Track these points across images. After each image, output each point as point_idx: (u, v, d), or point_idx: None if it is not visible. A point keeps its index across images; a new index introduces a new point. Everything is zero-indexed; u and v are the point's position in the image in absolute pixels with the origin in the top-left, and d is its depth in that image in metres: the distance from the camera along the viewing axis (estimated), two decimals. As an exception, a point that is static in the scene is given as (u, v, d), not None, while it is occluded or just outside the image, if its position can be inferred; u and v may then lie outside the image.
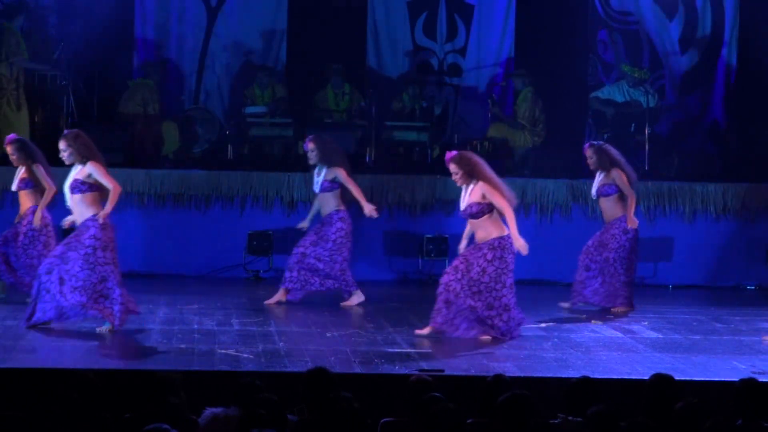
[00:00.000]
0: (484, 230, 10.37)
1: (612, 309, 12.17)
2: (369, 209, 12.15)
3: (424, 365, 8.99)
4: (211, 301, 12.12)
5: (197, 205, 14.42)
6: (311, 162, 12.20)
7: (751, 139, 15.82)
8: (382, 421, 6.55)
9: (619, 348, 10.20)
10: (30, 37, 15.36)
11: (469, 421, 6.39)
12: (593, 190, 12.42)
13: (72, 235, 10.31)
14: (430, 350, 9.83)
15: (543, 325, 11.32)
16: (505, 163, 15.51)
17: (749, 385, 6.71)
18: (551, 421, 6.49)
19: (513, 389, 6.46)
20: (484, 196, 10.33)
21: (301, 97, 15.96)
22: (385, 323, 11.10)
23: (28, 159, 11.78)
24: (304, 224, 12.43)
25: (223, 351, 9.55)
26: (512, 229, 10.34)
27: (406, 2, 16.62)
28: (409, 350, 9.79)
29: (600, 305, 12.22)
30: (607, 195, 12.28)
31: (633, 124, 15.76)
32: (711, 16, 16.58)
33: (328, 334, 10.45)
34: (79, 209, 10.18)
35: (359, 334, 10.50)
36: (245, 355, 9.37)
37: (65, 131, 11.04)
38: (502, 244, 10.32)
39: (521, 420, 6.23)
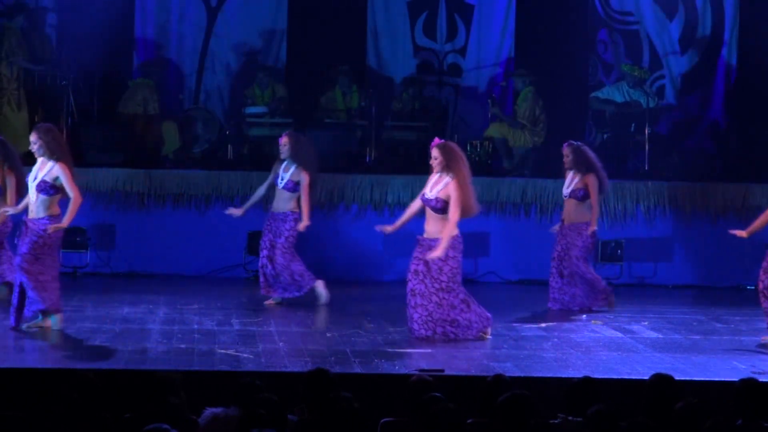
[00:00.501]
0: (438, 225, 10.27)
1: (593, 308, 12.12)
2: (304, 225, 12.01)
3: (424, 365, 8.99)
4: (211, 301, 12.12)
5: (197, 205, 14.42)
6: (282, 156, 12.08)
7: (751, 139, 15.82)
8: (382, 421, 6.55)
9: (619, 348, 10.20)
10: (30, 37, 15.36)
11: (469, 421, 6.39)
12: (565, 190, 12.38)
13: (24, 232, 10.18)
14: (430, 350, 9.83)
15: (543, 325, 11.32)
16: (505, 163, 15.53)
17: (749, 385, 6.71)
18: (551, 421, 6.49)
19: (513, 389, 6.46)
20: (449, 197, 10.24)
21: (301, 97, 15.96)
22: (385, 323, 11.10)
23: (4, 162, 11.55)
24: (236, 211, 12.37)
25: (223, 351, 9.56)
26: (444, 237, 10.16)
27: (406, 2, 16.62)
28: (409, 350, 9.79)
29: (581, 306, 12.17)
30: (578, 198, 12.28)
31: (633, 124, 15.76)
32: (711, 16, 16.58)
33: (328, 334, 10.45)
34: (38, 208, 10.10)
35: (359, 334, 10.50)
36: (245, 355, 9.37)
37: (38, 124, 10.96)
38: (454, 243, 10.24)
39: (521, 420, 6.23)
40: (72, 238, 14.07)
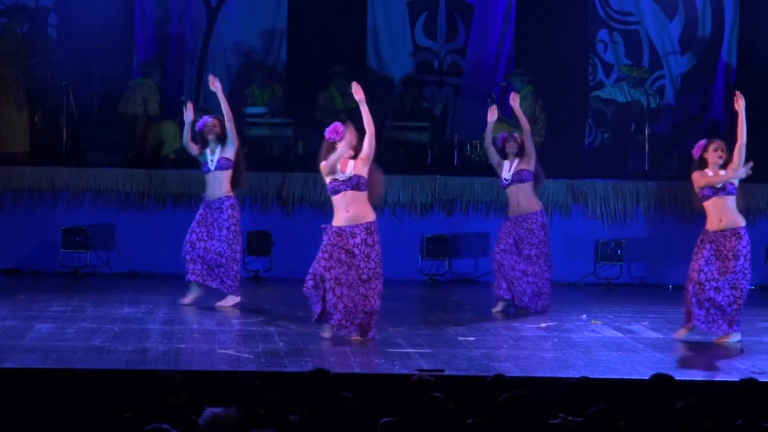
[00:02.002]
0: (362, 207, 10.15)
1: (533, 311, 12.01)
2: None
3: (424, 365, 8.99)
4: (212, 301, 12.11)
5: (197, 205, 14.39)
6: (210, 138, 11.86)
7: (751, 139, 15.79)
8: (382, 421, 6.55)
9: (619, 348, 10.20)
10: (30, 37, 15.36)
11: (469, 421, 6.39)
12: (508, 175, 12.08)
13: None
14: (430, 350, 9.82)
15: (543, 325, 11.32)
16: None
17: (749, 385, 6.71)
18: (551, 421, 6.49)
19: (513, 389, 6.46)
20: (367, 172, 10.11)
21: (301, 97, 15.96)
22: (385, 323, 11.09)
23: None
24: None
25: (223, 351, 9.56)
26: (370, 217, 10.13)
27: (406, 2, 16.62)
28: (409, 350, 9.79)
29: (527, 307, 12.00)
30: (525, 181, 12.07)
31: (633, 124, 15.77)
32: (711, 16, 16.58)
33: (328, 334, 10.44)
34: None
35: (359, 334, 10.49)
36: (245, 355, 9.37)
37: None
38: (376, 227, 10.17)
39: (521, 420, 6.23)
40: (72, 238, 14.10)
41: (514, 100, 12.38)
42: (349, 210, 10.11)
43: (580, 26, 16.40)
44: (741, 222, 10.57)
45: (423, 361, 9.25)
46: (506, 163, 12.14)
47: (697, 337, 10.78)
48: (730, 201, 10.52)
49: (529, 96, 15.64)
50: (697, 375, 9.04)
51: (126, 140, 15.04)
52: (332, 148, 10.22)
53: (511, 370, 8.93)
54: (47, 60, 15.31)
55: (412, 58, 16.66)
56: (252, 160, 15.10)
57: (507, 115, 16.08)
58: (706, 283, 10.38)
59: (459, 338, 10.46)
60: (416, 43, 16.68)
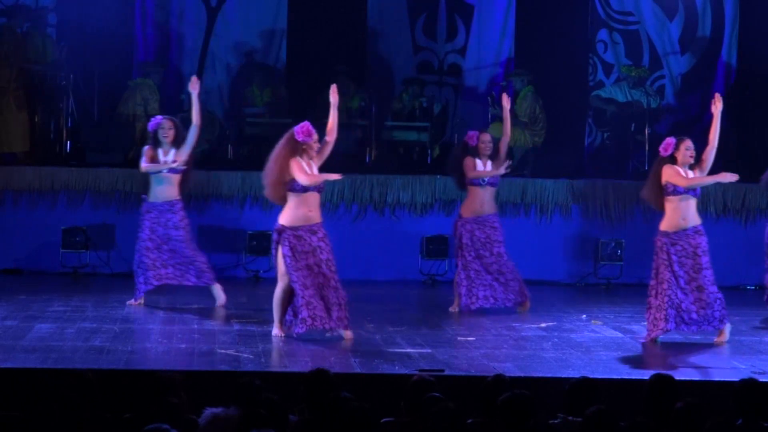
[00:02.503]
0: (318, 208, 10.24)
1: (519, 307, 12.04)
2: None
3: (424, 365, 8.99)
4: (211, 301, 12.10)
5: (197, 205, 14.42)
6: (167, 141, 11.75)
7: (751, 139, 15.82)
8: (382, 421, 6.55)
9: (619, 348, 10.20)
10: (30, 37, 15.36)
11: (469, 421, 6.39)
12: (487, 177, 12.07)
13: None
14: (430, 350, 9.83)
15: (543, 325, 11.32)
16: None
17: (749, 385, 6.71)
18: (551, 421, 6.49)
19: (513, 389, 6.46)
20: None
21: (301, 97, 15.95)
22: (385, 323, 11.09)
23: None
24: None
25: (223, 351, 9.56)
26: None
27: (406, 2, 16.62)
28: (409, 350, 9.79)
29: (514, 302, 12.04)
30: (495, 186, 12.14)
31: (633, 124, 15.77)
32: (711, 16, 16.59)
33: (328, 334, 10.44)
34: None
35: (359, 334, 10.49)
36: (245, 355, 9.37)
37: None
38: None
39: (521, 420, 6.23)
40: (72, 238, 14.09)
41: (506, 102, 12.37)
42: (312, 210, 10.17)
43: (580, 26, 16.40)
44: (699, 221, 10.54)
45: (423, 361, 9.25)
46: (479, 163, 12.10)
47: (697, 338, 10.78)
48: (694, 202, 10.49)
49: (529, 96, 15.65)
50: (697, 375, 9.03)
51: (126, 140, 15.04)
52: (302, 148, 10.21)
53: (511, 370, 8.93)
54: (47, 60, 15.32)
55: (412, 58, 16.66)
56: (252, 160, 15.12)
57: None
58: (687, 286, 10.34)
59: (459, 338, 10.46)
60: (416, 43, 16.68)
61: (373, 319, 11.38)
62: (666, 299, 10.27)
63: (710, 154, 10.53)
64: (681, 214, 10.40)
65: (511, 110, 15.98)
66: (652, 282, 10.42)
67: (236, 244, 14.29)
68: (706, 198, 14.68)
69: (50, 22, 15.86)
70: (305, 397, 6.81)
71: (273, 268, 14.32)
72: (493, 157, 12.13)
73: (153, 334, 10.23)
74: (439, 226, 14.53)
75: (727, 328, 10.51)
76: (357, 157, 15.16)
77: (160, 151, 11.80)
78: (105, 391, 7.10)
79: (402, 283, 14.43)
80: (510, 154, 15.54)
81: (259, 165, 14.69)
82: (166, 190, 11.78)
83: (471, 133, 12.31)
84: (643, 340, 10.47)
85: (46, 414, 6.09)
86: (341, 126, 15.45)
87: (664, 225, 10.43)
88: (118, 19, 15.75)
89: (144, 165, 11.80)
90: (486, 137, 12.19)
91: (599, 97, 16.30)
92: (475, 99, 16.60)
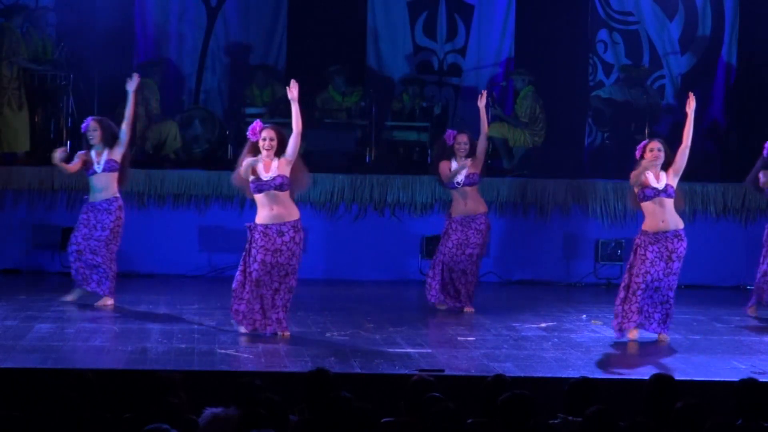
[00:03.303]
0: (286, 207, 10.18)
1: (465, 309, 12.01)
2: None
3: (424, 365, 8.99)
4: (211, 301, 12.11)
5: (197, 205, 14.42)
6: (92, 142, 11.66)
7: (751, 139, 15.82)
8: (382, 421, 6.55)
9: (619, 348, 10.20)
10: (30, 37, 15.35)
11: (469, 421, 6.40)
12: (460, 178, 12.01)
13: None
14: (430, 350, 9.83)
15: (543, 325, 11.32)
16: (505, 163, 15.54)
17: (749, 385, 6.72)
18: (551, 421, 6.49)
19: (513, 389, 6.46)
20: (290, 171, 10.14)
21: (300, 97, 15.91)
22: (385, 323, 11.10)
23: None
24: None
25: (223, 351, 9.56)
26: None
27: (406, 2, 16.62)
28: (409, 350, 9.79)
29: (462, 306, 12.01)
30: (474, 184, 12.07)
31: (633, 124, 15.77)
32: (711, 16, 16.58)
33: (328, 334, 10.45)
34: None
35: (359, 334, 10.50)
36: (245, 355, 9.37)
37: None
38: (301, 225, 10.21)
39: (521, 420, 6.23)
40: (72, 238, 14.09)
41: (481, 100, 12.36)
42: (273, 209, 10.15)
43: (580, 26, 16.40)
44: (681, 224, 10.52)
45: (423, 361, 9.25)
46: (454, 163, 12.05)
47: (697, 337, 10.78)
48: (670, 203, 10.48)
49: (529, 96, 15.64)
50: (697, 375, 9.03)
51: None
52: (255, 147, 10.21)
53: (511, 370, 8.93)
54: (47, 60, 15.31)
55: (412, 57, 16.66)
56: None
57: (507, 114, 16.11)
58: (653, 283, 10.35)
59: (459, 338, 10.46)
60: (416, 43, 16.68)
61: (373, 319, 11.38)
62: (639, 293, 10.30)
63: (682, 153, 10.52)
64: (659, 216, 10.43)
65: (512, 110, 16.07)
66: (626, 276, 10.45)
67: (236, 244, 14.26)
68: (706, 198, 14.69)
69: (50, 22, 15.85)
70: (305, 397, 6.81)
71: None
72: (471, 155, 12.05)
73: (153, 334, 10.23)
74: (439, 226, 14.47)
75: (667, 335, 10.50)
76: (357, 157, 15.16)
77: (94, 153, 11.71)
78: (105, 391, 7.10)
79: (402, 283, 14.42)
80: (510, 153, 15.63)
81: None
82: (103, 190, 11.71)
83: (449, 132, 12.27)
84: (616, 335, 10.45)
85: (46, 414, 6.10)
86: (341, 126, 15.57)
87: (645, 225, 10.51)
88: (118, 19, 15.74)
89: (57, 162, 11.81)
90: (462, 138, 12.10)
91: (599, 97, 16.29)
92: (475, 99, 16.49)
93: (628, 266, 10.51)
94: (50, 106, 15.17)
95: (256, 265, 10.06)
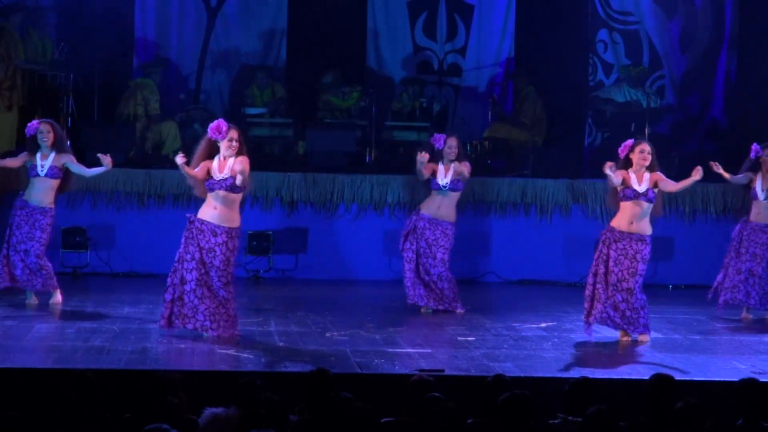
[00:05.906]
0: (232, 210, 10.15)
1: (457, 311, 11.94)
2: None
3: (424, 365, 8.99)
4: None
5: (197, 205, 14.37)
6: (47, 144, 11.53)
7: (751, 139, 15.81)
8: (382, 421, 6.55)
9: (619, 348, 10.20)
10: (29, 37, 15.35)
11: (469, 421, 6.39)
12: (444, 181, 11.90)
13: None
14: (430, 350, 9.83)
15: (543, 325, 11.32)
16: (505, 163, 15.53)
17: (749, 385, 6.71)
18: (551, 421, 6.49)
19: (513, 389, 6.46)
20: (243, 173, 10.05)
21: (301, 97, 15.97)
22: (385, 323, 11.10)
23: None
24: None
25: (223, 351, 9.56)
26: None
27: (406, 2, 16.63)
28: (409, 350, 9.79)
29: (444, 307, 11.97)
30: (457, 191, 11.98)
31: (633, 124, 15.77)
32: (711, 16, 16.58)
33: (328, 334, 10.45)
34: None
35: (359, 334, 10.50)
36: (245, 355, 9.37)
37: None
38: (239, 234, 10.17)
39: (521, 420, 6.23)
40: (72, 238, 14.09)
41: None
42: (216, 208, 10.13)
43: (580, 26, 16.41)
44: (648, 231, 10.49)
45: (423, 361, 9.25)
46: (441, 167, 12.00)
47: (697, 337, 10.78)
48: (648, 208, 10.47)
49: (529, 96, 15.65)
50: (697, 375, 9.03)
51: (126, 140, 15.03)
52: (213, 145, 10.18)
53: (511, 370, 8.93)
54: (47, 60, 15.31)
55: (412, 58, 16.67)
56: (252, 160, 15.10)
57: (507, 114, 16.12)
58: (617, 284, 10.34)
59: (459, 338, 10.46)
60: (416, 43, 16.69)
61: (373, 319, 11.39)
62: (592, 289, 10.32)
63: (669, 187, 10.50)
64: (631, 217, 10.42)
65: (512, 111, 16.08)
66: (590, 273, 10.47)
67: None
68: (706, 198, 14.69)
69: (50, 22, 15.85)
70: (305, 397, 6.81)
71: (273, 269, 14.39)
72: (458, 159, 11.98)
73: (153, 334, 10.23)
74: (439, 226, 14.51)
75: (649, 335, 10.50)
76: (357, 157, 15.16)
77: (39, 155, 11.59)
78: (105, 391, 7.10)
79: (402, 283, 14.40)
80: (510, 153, 15.62)
81: (258, 165, 14.76)
82: (41, 194, 11.63)
83: (437, 136, 12.16)
84: (586, 332, 10.46)
85: (46, 414, 6.10)
86: (341, 126, 15.57)
87: (614, 222, 10.49)
88: (118, 19, 15.75)
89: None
90: (452, 142, 11.97)
91: (599, 97, 16.30)
92: (475, 99, 16.61)
93: (593, 263, 10.49)
94: (50, 106, 15.16)
95: (194, 264, 10.01)
